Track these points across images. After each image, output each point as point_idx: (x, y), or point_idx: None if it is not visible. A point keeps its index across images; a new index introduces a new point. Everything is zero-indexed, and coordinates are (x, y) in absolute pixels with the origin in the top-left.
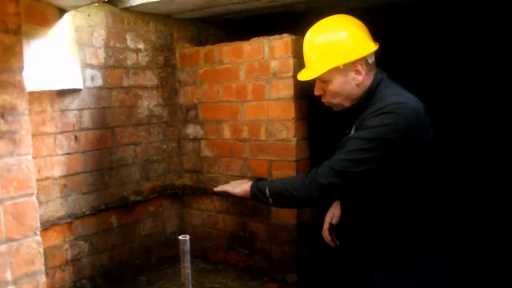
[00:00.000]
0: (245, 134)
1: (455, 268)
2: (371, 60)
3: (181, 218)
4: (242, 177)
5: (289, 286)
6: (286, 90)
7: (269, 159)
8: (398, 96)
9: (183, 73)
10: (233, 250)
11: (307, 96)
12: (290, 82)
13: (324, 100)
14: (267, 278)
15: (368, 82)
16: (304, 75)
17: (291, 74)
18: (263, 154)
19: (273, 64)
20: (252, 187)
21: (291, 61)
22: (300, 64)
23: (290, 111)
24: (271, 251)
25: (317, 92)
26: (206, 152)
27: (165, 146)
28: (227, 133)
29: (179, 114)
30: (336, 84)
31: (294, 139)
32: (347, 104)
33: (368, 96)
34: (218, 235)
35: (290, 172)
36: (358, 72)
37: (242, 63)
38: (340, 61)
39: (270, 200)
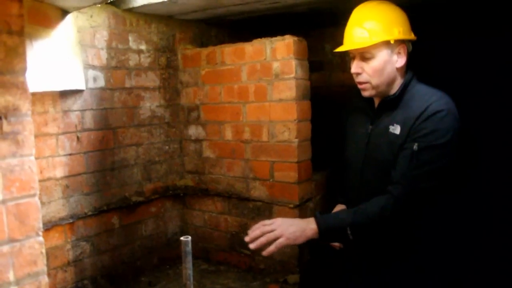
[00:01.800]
0: (247, 135)
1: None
2: (410, 49)
3: (183, 219)
4: (243, 178)
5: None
6: (288, 91)
7: (271, 160)
8: (437, 95)
9: (185, 74)
10: (234, 251)
11: (310, 98)
12: (292, 83)
13: (360, 79)
14: (268, 279)
15: (403, 73)
16: (350, 45)
17: (293, 75)
18: (265, 155)
19: (275, 65)
20: (322, 230)
21: (293, 62)
22: (302, 65)
23: (292, 112)
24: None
25: (355, 69)
26: (208, 153)
27: (167, 147)
28: (229, 134)
29: (181, 115)
30: (379, 61)
31: (296, 140)
32: (381, 88)
33: (404, 90)
34: (220, 236)
35: (292, 173)
36: (400, 56)
37: (244, 64)
38: (393, 35)
39: (351, 237)
